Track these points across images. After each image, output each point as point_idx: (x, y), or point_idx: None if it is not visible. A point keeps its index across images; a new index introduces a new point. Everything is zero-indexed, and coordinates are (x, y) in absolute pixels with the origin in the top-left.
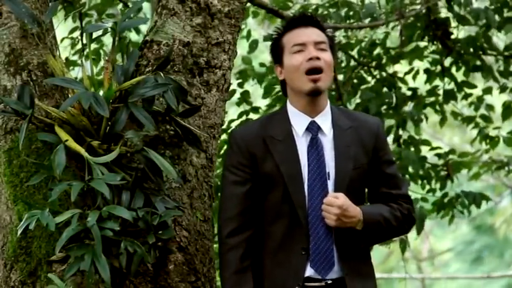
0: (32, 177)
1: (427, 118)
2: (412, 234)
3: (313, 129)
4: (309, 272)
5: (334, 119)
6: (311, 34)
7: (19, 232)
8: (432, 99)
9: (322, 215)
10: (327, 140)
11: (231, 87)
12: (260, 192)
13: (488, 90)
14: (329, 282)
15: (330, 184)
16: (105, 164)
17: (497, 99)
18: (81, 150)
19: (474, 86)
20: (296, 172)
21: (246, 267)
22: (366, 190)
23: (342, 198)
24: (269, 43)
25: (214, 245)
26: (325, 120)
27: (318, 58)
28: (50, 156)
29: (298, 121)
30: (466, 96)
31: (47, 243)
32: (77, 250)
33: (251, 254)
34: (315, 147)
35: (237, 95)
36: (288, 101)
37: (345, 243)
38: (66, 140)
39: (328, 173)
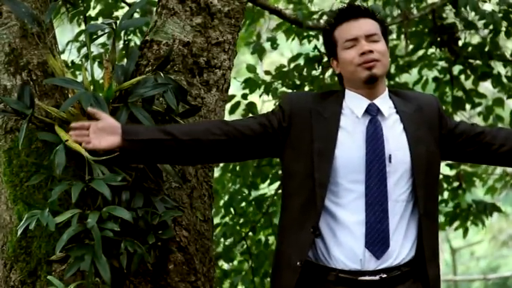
0: (32, 177)
1: None
2: None
3: (373, 110)
4: (363, 256)
5: (396, 105)
6: (361, 26)
7: (19, 232)
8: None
9: None
10: (388, 124)
11: (235, 99)
12: (287, 161)
13: (499, 102)
14: (383, 276)
15: (391, 166)
16: (105, 163)
17: (506, 109)
18: (81, 150)
19: (483, 96)
20: (327, 151)
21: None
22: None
23: None
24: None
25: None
26: (384, 103)
27: (370, 51)
28: (50, 156)
29: (357, 103)
30: (475, 105)
31: (46, 243)
32: (77, 250)
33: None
34: (373, 128)
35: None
36: (346, 88)
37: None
38: (67, 140)
39: (390, 155)
